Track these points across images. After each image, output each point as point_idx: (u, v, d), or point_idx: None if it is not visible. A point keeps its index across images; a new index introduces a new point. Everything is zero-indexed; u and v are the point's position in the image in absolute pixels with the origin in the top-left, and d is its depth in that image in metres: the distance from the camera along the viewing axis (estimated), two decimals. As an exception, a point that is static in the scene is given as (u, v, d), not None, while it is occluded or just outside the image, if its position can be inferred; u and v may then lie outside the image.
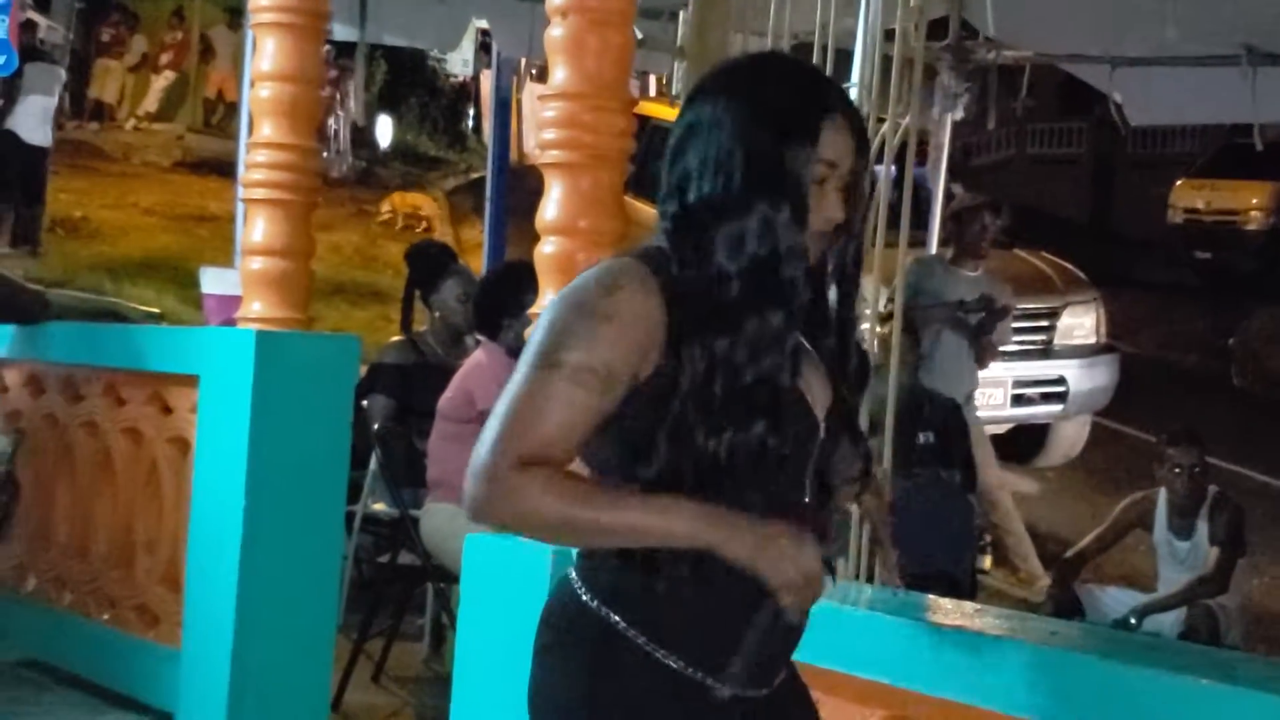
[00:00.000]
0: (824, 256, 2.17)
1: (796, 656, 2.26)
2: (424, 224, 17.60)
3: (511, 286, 5.18)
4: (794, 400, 2.11)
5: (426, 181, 20.90)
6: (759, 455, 2.05)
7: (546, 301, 3.46)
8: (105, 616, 5.04)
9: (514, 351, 5.08)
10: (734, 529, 2.02)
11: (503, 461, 2.02)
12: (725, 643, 2.10)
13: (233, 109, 17.01)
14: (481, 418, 5.83)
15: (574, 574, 2.17)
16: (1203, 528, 6.26)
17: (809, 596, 2.05)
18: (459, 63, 23.76)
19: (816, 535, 2.11)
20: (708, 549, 2.02)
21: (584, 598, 2.13)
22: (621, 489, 2.06)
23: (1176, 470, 6.24)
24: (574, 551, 2.21)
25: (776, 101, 2.09)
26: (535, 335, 2.09)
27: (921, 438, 6.32)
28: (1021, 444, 10.03)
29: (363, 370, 5.67)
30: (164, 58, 20.47)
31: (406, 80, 22.32)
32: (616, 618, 2.10)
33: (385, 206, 17.83)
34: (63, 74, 15.15)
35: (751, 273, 2.05)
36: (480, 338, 5.67)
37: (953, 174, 9.47)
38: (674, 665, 2.09)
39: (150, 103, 20.23)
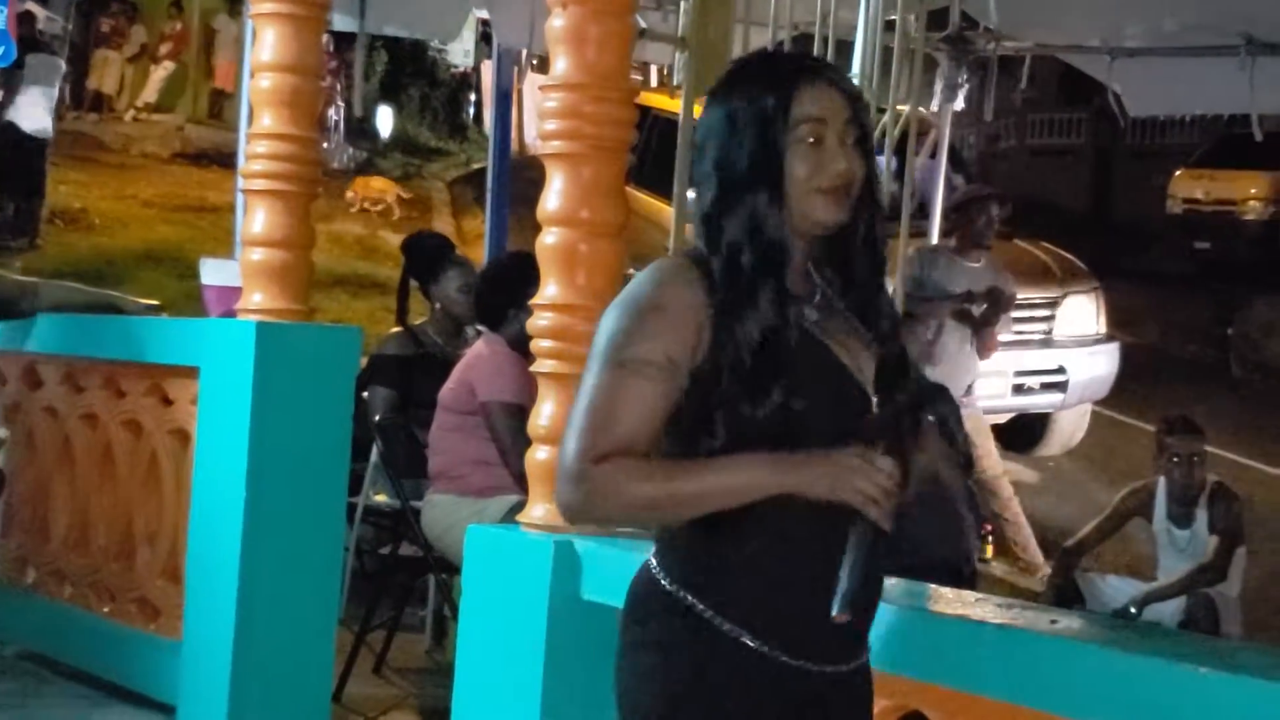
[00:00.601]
0: (855, 223, 2.26)
1: None
2: (382, 206, 17.68)
3: (515, 278, 5.18)
4: (826, 365, 2.21)
5: (427, 172, 20.88)
6: (800, 420, 2.16)
7: (548, 293, 3.47)
8: (106, 609, 5.04)
9: (515, 342, 5.08)
10: (806, 465, 2.13)
11: (587, 463, 2.15)
12: (798, 616, 2.20)
13: (233, 99, 17.02)
14: (482, 409, 5.86)
15: (653, 561, 2.29)
16: (1202, 517, 6.26)
17: (889, 504, 2.12)
18: (460, 53, 23.73)
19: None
20: (790, 492, 2.13)
21: (663, 583, 2.25)
22: (696, 460, 2.18)
23: (1175, 459, 6.25)
24: (649, 543, 2.34)
25: (753, 87, 2.25)
26: (597, 340, 2.23)
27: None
28: (1022, 433, 10.04)
29: (363, 362, 5.66)
30: (163, 48, 20.44)
31: (407, 71, 22.31)
32: (694, 600, 2.21)
33: (349, 193, 17.87)
34: (63, 65, 15.12)
35: (749, 243, 2.20)
36: (481, 329, 5.67)
37: (956, 165, 9.46)
38: (750, 643, 2.19)
39: (150, 93, 20.20)
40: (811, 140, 2.21)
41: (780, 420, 2.16)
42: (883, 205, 2.33)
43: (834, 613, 2.13)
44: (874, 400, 2.23)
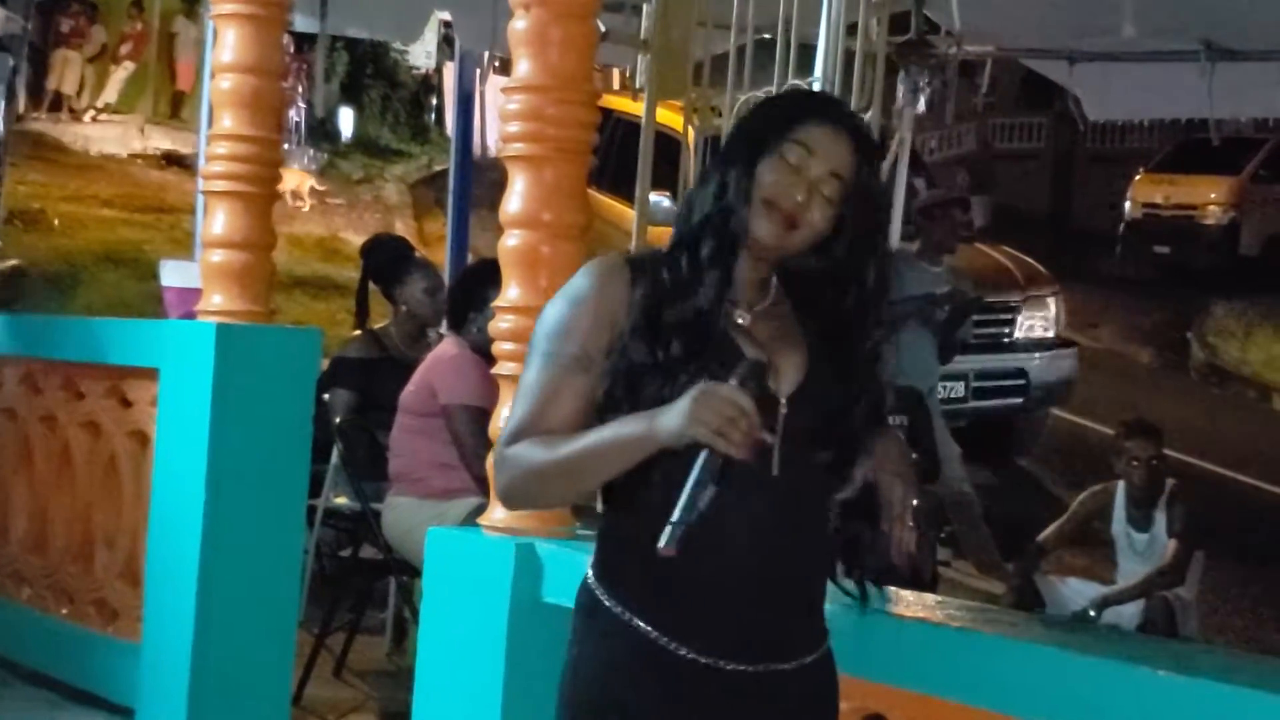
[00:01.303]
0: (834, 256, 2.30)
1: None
2: (299, 202, 17.56)
3: (480, 282, 5.17)
4: (733, 363, 2.19)
5: (389, 174, 20.82)
6: None
7: (510, 295, 3.47)
8: (64, 611, 5.01)
9: (477, 345, 5.08)
10: (661, 412, 2.14)
11: (503, 446, 2.27)
12: (708, 614, 2.22)
13: (193, 100, 16.90)
14: (444, 412, 5.84)
15: (590, 559, 2.38)
16: (1160, 520, 6.30)
17: (738, 433, 2.08)
18: (421, 55, 23.65)
19: (789, 509, 2.24)
20: (654, 441, 2.13)
21: (589, 581, 2.33)
22: (584, 431, 2.23)
23: (1134, 463, 6.29)
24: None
25: (782, 106, 2.40)
26: (534, 333, 2.32)
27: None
28: (982, 437, 10.09)
29: (324, 364, 5.65)
30: (123, 48, 20.31)
31: (368, 72, 22.23)
32: (606, 596, 2.28)
33: None
34: (10, 61, 14.96)
35: (710, 222, 2.28)
36: (443, 331, 5.65)
37: (916, 169, 9.50)
38: (660, 640, 2.23)
39: (109, 94, 20.07)
40: (792, 160, 2.25)
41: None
42: (876, 278, 2.34)
43: (660, 545, 2.08)
44: (782, 404, 2.23)
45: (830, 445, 2.30)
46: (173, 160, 18.13)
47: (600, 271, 2.31)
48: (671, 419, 2.11)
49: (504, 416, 3.41)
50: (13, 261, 5.67)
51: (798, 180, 2.25)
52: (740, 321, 2.29)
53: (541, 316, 2.33)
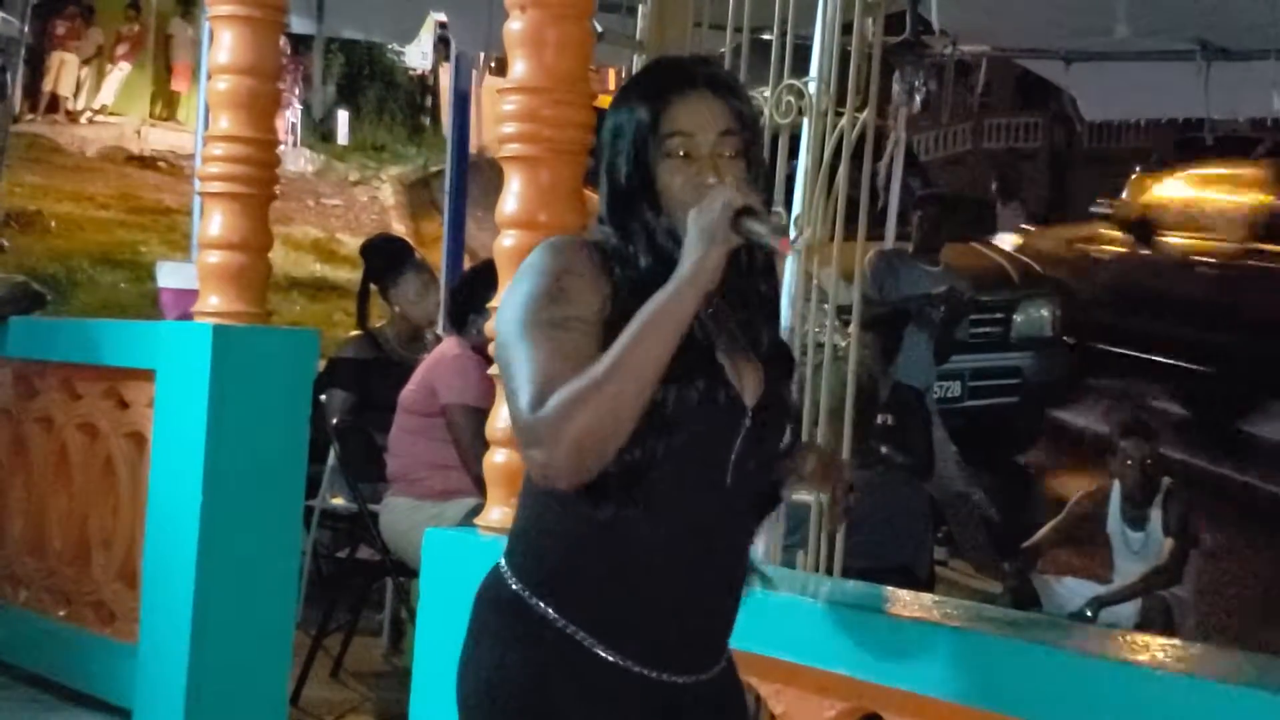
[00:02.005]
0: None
1: (754, 645, 2.27)
2: None
3: (483, 283, 5.18)
4: (704, 365, 2.17)
5: (385, 174, 20.83)
6: (675, 413, 2.11)
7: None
8: (61, 613, 5.01)
9: (479, 347, 5.08)
10: (684, 260, 2.05)
11: (527, 417, 2.01)
12: (648, 626, 2.18)
13: (190, 101, 16.89)
14: (444, 412, 5.84)
15: (502, 562, 2.27)
16: (1156, 518, 6.31)
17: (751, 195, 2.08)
18: (417, 56, 23.65)
19: (731, 519, 2.23)
20: (691, 285, 2.03)
21: (510, 584, 2.22)
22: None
23: (1129, 463, 6.29)
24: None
25: (634, 98, 2.25)
26: (505, 316, 2.14)
27: (880, 419, 6.34)
28: (978, 436, 10.09)
29: (321, 364, 5.65)
30: (119, 50, 20.31)
31: (365, 74, 22.24)
32: (540, 603, 2.18)
33: None
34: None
35: (640, 249, 2.19)
36: (440, 333, 5.66)
37: (911, 168, 9.51)
38: (598, 650, 2.17)
39: (106, 95, 20.07)
40: (682, 154, 2.20)
41: (664, 403, 2.10)
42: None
43: (778, 244, 2.05)
44: (748, 414, 2.21)
45: (776, 458, 2.31)
46: (169, 162, 18.12)
47: (572, 247, 2.20)
48: (691, 248, 2.04)
49: (503, 417, 3.43)
50: (19, 278, 5.66)
51: (695, 164, 2.19)
52: (705, 320, 2.20)
53: (516, 298, 2.14)
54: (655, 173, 2.20)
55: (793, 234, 2.02)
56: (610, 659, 2.17)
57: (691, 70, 2.26)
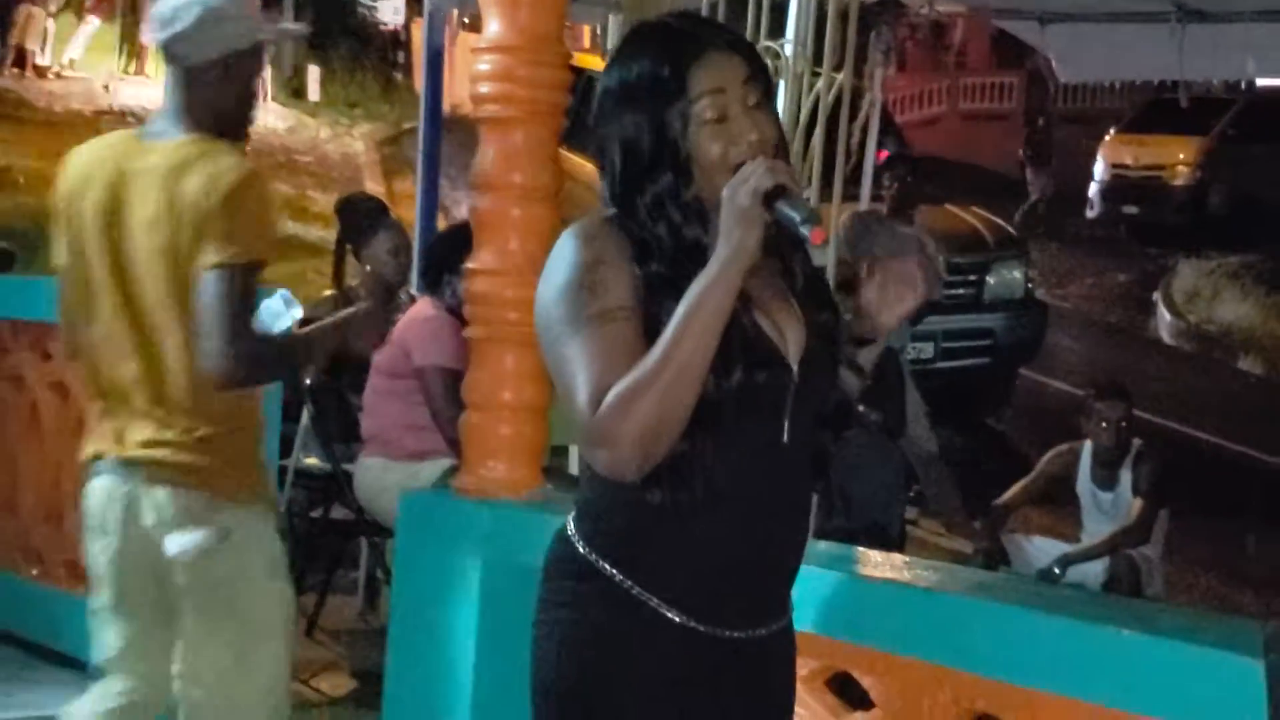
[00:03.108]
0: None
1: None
2: None
3: (457, 245, 5.17)
4: (745, 332, 2.16)
5: (357, 132, 20.72)
6: (718, 387, 2.11)
7: (481, 257, 3.46)
8: (34, 571, 5.01)
9: (453, 309, 5.08)
10: (722, 243, 2.06)
11: (588, 420, 2.06)
12: (710, 584, 2.20)
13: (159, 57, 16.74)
14: (418, 374, 5.82)
15: (570, 523, 2.30)
16: (1126, 479, 6.35)
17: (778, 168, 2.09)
18: (390, 11, 23.53)
19: (798, 477, 2.24)
20: (728, 270, 2.05)
21: (578, 547, 2.25)
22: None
23: (1103, 424, 6.33)
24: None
25: (649, 60, 2.20)
26: (547, 315, 2.15)
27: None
28: (950, 396, 10.14)
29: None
30: (89, 3, 20.13)
31: (336, 29, 22.08)
32: (606, 564, 2.21)
33: None
34: None
35: (664, 223, 2.18)
36: (414, 293, 5.65)
37: (886, 129, 9.50)
38: (661, 609, 2.19)
39: (75, 50, 19.90)
40: (715, 116, 2.17)
41: (707, 382, 2.10)
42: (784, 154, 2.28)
43: (808, 232, 2.06)
44: (794, 371, 2.22)
45: (829, 415, 2.31)
46: (139, 117, 18.00)
47: (598, 232, 2.18)
48: (726, 238, 2.05)
49: (476, 379, 3.43)
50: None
51: (734, 123, 2.18)
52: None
53: (553, 295, 2.15)
54: (683, 144, 2.17)
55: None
56: (676, 619, 2.20)
57: (698, 31, 2.24)
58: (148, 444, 3.05)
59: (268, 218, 3.11)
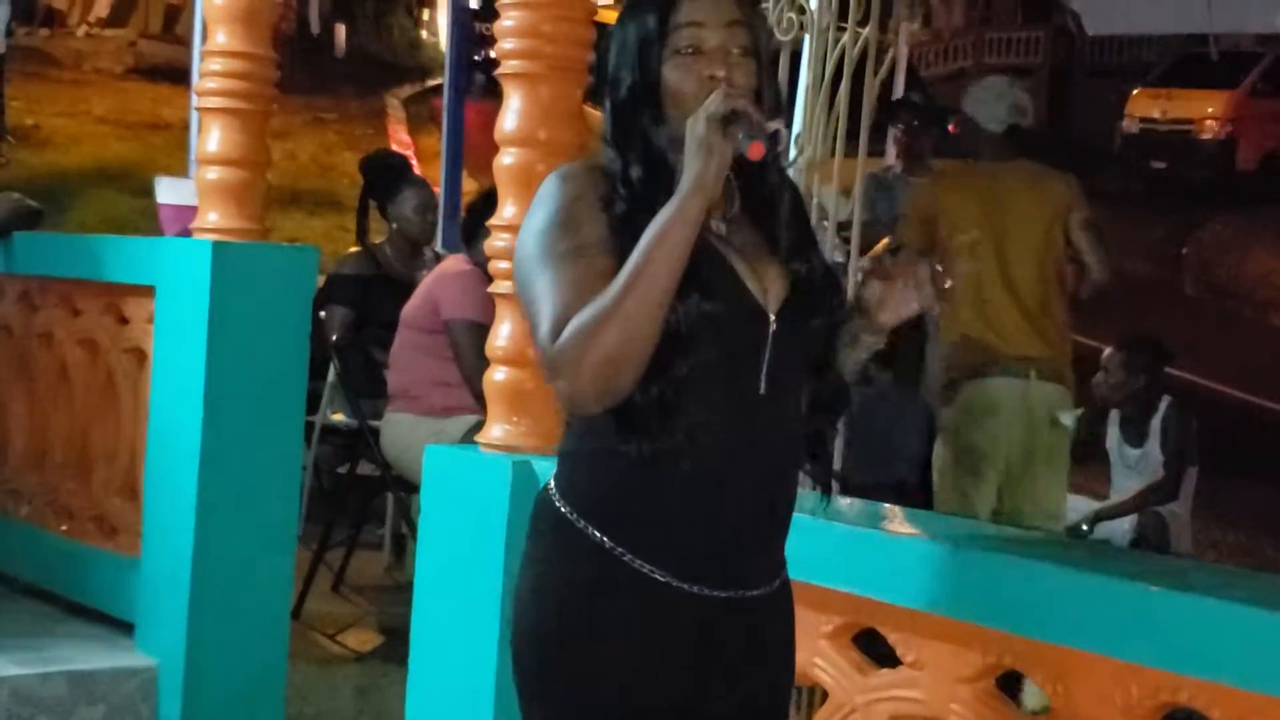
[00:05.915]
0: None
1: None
2: None
3: (489, 201, 5.18)
4: (722, 278, 2.16)
5: (383, 89, 20.71)
6: (695, 326, 2.11)
7: (506, 214, 3.46)
8: (63, 527, 5.04)
9: (480, 264, 5.09)
10: (685, 175, 2.05)
11: (547, 349, 2.06)
12: (690, 542, 2.18)
13: (187, 14, 16.77)
14: (446, 328, 5.84)
15: (551, 482, 2.29)
16: (1154, 435, 6.33)
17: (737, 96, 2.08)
18: (415, -33, 23.49)
19: (778, 434, 2.22)
20: (693, 202, 2.03)
21: (558, 505, 2.24)
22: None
23: (1105, 373, 6.31)
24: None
25: (636, 12, 2.23)
26: (524, 248, 2.17)
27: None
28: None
29: (320, 281, 5.65)
30: (115, -38, 20.15)
31: (362, -14, 22.06)
32: (585, 523, 2.20)
33: None
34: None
35: (641, 163, 2.20)
36: (440, 250, 5.65)
37: (912, 85, 9.44)
38: (642, 567, 2.17)
39: (102, 8, 19.93)
40: (689, 49, 2.18)
41: (680, 324, 2.10)
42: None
43: (747, 151, 2.04)
44: (771, 319, 2.20)
45: (812, 365, 2.30)
46: (166, 75, 18.01)
47: (578, 172, 2.22)
48: (688, 169, 2.04)
49: (502, 334, 3.43)
50: (15, 195, 5.56)
51: (705, 58, 2.17)
52: (719, 231, 2.22)
53: (532, 228, 2.18)
54: (661, 77, 2.20)
55: (793, 152, 1.99)
56: (655, 576, 2.18)
57: None
58: None
59: None
